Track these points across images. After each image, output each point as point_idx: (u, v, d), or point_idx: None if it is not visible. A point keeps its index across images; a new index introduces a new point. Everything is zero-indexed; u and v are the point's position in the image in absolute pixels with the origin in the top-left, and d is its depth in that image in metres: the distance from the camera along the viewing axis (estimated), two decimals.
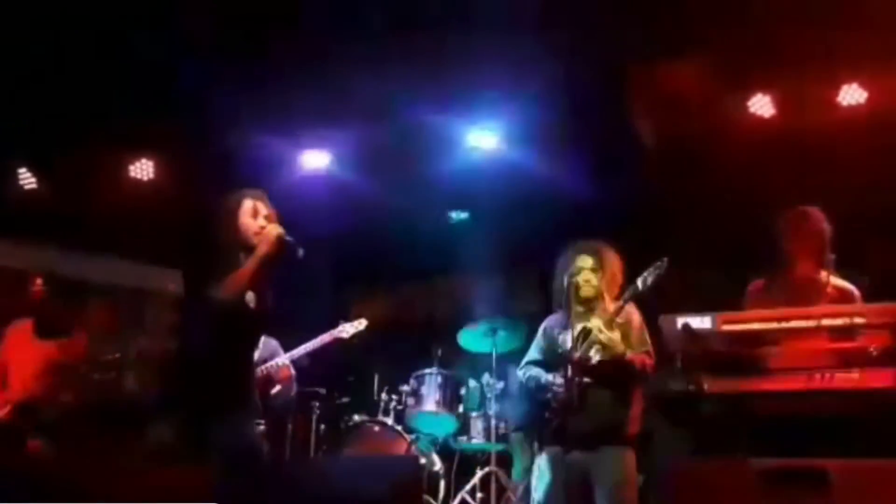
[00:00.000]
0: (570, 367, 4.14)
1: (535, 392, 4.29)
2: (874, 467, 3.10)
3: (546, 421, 4.21)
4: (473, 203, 7.46)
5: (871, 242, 5.72)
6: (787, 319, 3.64)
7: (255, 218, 3.92)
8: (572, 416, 4.07)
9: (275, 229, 3.85)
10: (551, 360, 4.34)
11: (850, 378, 3.47)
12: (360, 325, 5.91)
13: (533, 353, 4.48)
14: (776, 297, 4.20)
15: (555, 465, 4.14)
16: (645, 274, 4.11)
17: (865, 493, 2.94)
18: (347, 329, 5.84)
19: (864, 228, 5.69)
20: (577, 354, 4.14)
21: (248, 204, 3.94)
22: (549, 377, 4.24)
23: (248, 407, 3.92)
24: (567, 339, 4.27)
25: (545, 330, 4.48)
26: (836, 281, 4.27)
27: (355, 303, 6.31)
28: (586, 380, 4.11)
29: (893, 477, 2.98)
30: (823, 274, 4.29)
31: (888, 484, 2.96)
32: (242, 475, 3.55)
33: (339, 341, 5.78)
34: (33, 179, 6.90)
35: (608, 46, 5.75)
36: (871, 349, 3.59)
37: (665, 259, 4.08)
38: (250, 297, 3.89)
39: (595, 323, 4.19)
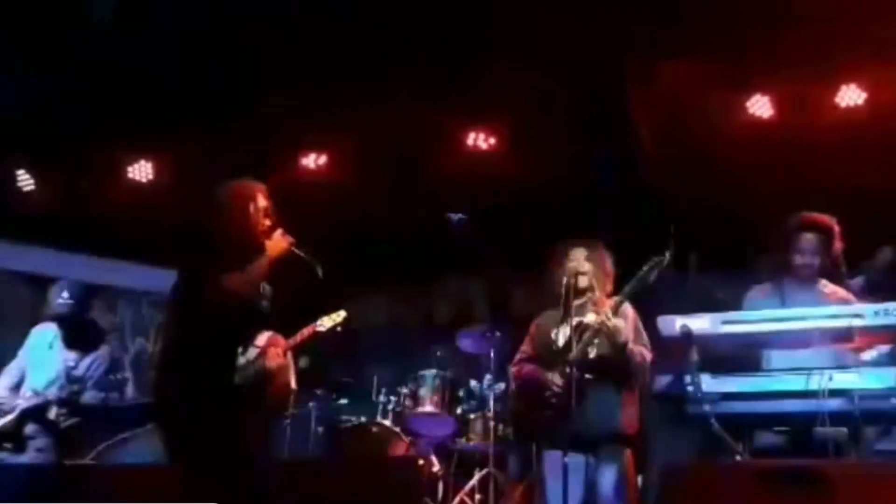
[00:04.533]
0: (567, 365, 4.13)
1: (531, 390, 4.28)
2: (872, 469, 3.10)
3: (545, 421, 4.20)
4: (472, 204, 7.44)
5: (868, 241, 5.71)
6: (787, 320, 3.65)
7: (262, 212, 3.91)
8: (571, 416, 4.06)
9: (285, 240, 3.87)
10: (545, 356, 4.33)
11: (848, 379, 3.47)
12: (339, 317, 5.73)
13: (525, 348, 4.46)
14: (775, 305, 4.17)
15: (556, 466, 4.13)
16: (646, 267, 4.09)
17: (863, 495, 2.94)
18: (325, 322, 5.67)
19: (862, 228, 5.68)
20: (574, 352, 4.11)
21: (260, 199, 3.92)
22: (547, 375, 4.22)
23: (244, 405, 3.92)
24: (562, 336, 4.27)
25: (538, 326, 4.46)
26: (835, 289, 4.26)
27: (354, 304, 6.27)
28: (586, 376, 4.10)
29: (890, 477, 2.98)
30: (823, 282, 4.28)
31: (886, 485, 2.96)
32: (244, 475, 3.54)
33: (317, 335, 5.66)
34: (31, 181, 6.89)
35: (607, 47, 5.75)
36: (871, 350, 3.60)
37: (667, 253, 4.06)
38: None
39: (591, 318, 4.17)
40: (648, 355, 4.18)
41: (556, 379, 4.17)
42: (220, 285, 3.68)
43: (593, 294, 4.30)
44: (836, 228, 4.23)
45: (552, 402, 4.16)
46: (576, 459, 4.05)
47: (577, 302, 4.25)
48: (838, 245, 4.24)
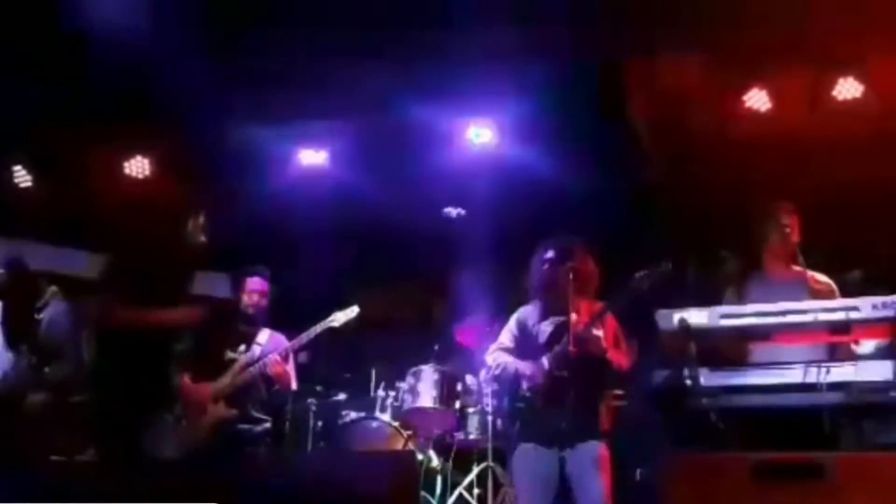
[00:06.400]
0: (547, 360, 4.13)
1: (506, 380, 4.27)
2: (868, 460, 3.11)
3: (520, 413, 4.20)
4: (470, 199, 7.44)
5: (865, 235, 5.73)
6: (784, 314, 3.65)
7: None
8: (548, 410, 4.07)
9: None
10: (522, 349, 4.32)
11: (845, 371, 3.48)
12: (352, 312, 5.63)
13: (503, 339, 4.43)
14: (758, 297, 4.17)
15: (531, 459, 4.14)
16: (641, 275, 4.09)
17: (860, 486, 2.95)
18: (339, 317, 5.58)
19: (858, 221, 5.70)
20: (557, 348, 4.12)
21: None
22: (524, 368, 4.21)
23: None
24: (543, 332, 4.26)
25: (518, 320, 4.44)
26: (816, 275, 4.29)
27: (352, 299, 6.27)
28: (564, 373, 4.09)
29: (887, 469, 2.99)
30: (800, 269, 4.31)
31: (882, 477, 2.96)
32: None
33: (331, 331, 5.62)
34: (28, 177, 6.89)
35: (604, 41, 5.75)
36: (867, 343, 3.61)
37: (668, 264, 4.05)
38: None
39: (574, 318, 4.15)
40: (627, 362, 4.19)
41: (537, 374, 4.16)
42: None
43: (575, 293, 4.26)
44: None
45: (530, 397, 4.16)
46: (552, 452, 4.08)
47: (558, 301, 4.22)
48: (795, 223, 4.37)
